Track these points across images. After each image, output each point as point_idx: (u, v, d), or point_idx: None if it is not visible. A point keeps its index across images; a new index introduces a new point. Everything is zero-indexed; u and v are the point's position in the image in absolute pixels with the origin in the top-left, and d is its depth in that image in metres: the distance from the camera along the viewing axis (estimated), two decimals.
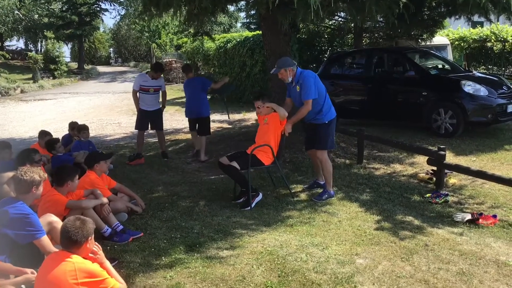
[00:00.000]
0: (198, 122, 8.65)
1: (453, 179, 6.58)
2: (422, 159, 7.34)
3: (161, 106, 8.73)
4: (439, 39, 15.34)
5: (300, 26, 15.60)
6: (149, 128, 8.68)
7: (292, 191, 6.20)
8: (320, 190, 6.16)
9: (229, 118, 11.88)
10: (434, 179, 6.45)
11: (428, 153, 6.74)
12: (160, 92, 8.61)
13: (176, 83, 27.20)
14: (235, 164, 5.69)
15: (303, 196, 6.15)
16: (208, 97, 9.25)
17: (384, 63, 11.06)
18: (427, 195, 6.01)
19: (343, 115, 10.19)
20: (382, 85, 10.20)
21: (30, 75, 31.85)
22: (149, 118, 8.52)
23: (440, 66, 11.07)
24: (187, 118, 8.96)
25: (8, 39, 49.00)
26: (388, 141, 8.00)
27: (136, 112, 8.65)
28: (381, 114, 10.17)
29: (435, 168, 6.44)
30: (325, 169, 6.02)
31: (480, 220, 5.02)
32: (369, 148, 8.42)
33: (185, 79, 9.05)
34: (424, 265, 4.04)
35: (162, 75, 8.70)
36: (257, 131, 6.16)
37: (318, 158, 6.05)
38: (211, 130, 11.29)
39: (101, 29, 58.65)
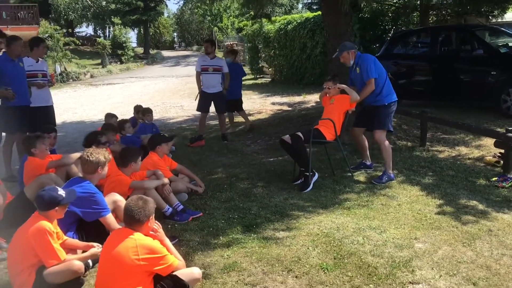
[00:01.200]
0: (235, 102, 9.57)
1: None
2: (489, 142, 7.04)
3: (222, 88, 8.83)
4: None
5: (362, 5, 15.20)
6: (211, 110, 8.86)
7: (352, 174, 6.14)
8: (379, 173, 6.06)
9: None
10: (502, 162, 6.17)
11: (496, 135, 6.45)
12: (222, 73, 8.73)
13: None
14: (299, 134, 5.78)
15: (361, 178, 6.07)
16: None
17: (450, 42, 10.61)
18: (494, 178, 5.78)
19: (406, 96, 9.93)
20: (448, 65, 9.79)
21: (99, 61, 33.23)
22: (210, 101, 8.65)
23: (511, 44, 10.46)
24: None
25: (78, 25, 51.21)
26: (453, 123, 7.71)
27: (198, 94, 8.83)
28: (447, 95, 9.77)
29: (502, 150, 6.16)
30: (384, 151, 5.91)
31: None
32: (433, 130, 8.16)
33: (240, 61, 9.66)
34: (486, 251, 3.90)
35: (220, 56, 8.86)
36: (316, 113, 6.17)
37: (377, 140, 5.96)
38: (272, 113, 11.42)
39: (165, 14, 59.98)
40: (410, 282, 3.44)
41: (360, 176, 6.17)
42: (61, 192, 3.48)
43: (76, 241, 3.79)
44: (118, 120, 7.35)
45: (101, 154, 4.09)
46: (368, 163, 6.41)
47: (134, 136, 7.21)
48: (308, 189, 5.62)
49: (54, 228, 3.42)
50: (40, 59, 7.15)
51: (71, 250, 3.67)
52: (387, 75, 6.06)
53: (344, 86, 6.01)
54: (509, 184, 5.50)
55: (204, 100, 8.66)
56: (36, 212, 3.45)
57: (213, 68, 8.54)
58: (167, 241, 3.43)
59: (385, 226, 4.47)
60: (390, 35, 15.87)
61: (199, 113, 8.83)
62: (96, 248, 3.63)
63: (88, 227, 3.95)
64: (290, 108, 12.11)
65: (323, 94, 6.28)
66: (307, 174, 5.71)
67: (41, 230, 3.31)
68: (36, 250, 3.31)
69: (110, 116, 7.43)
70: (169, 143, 5.89)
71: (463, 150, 7.23)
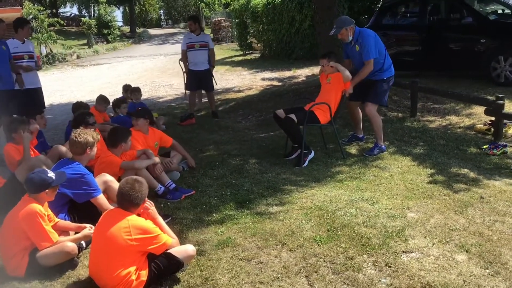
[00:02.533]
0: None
1: None
2: (480, 110, 7.04)
3: (209, 66, 8.73)
4: None
5: None
6: (199, 89, 8.77)
7: (343, 147, 6.13)
8: (370, 145, 6.06)
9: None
10: (492, 129, 6.20)
11: (486, 103, 6.46)
12: (208, 50, 8.62)
13: (226, 42, 27.14)
14: (293, 116, 5.68)
15: (353, 151, 6.07)
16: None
17: (439, 11, 10.53)
18: (485, 146, 5.80)
19: (396, 67, 9.83)
20: (438, 34, 9.73)
21: (85, 41, 32.74)
22: (198, 78, 8.56)
23: (500, 11, 10.41)
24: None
25: (62, 6, 50.27)
26: (443, 92, 7.71)
27: (185, 73, 8.73)
28: (437, 64, 9.74)
29: (493, 118, 6.17)
30: (374, 124, 5.90)
31: None
32: (423, 100, 8.15)
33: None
34: (478, 218, 3.93)
35: (206, 33, 8.72)
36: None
37: (367, 113, 5.92)
38: (262, 88, 11.33)
39: None
40: (403, 251, 3.46)
41: (352, 148, 6.18)
42: (51, 174, 3.45)
43: (68, 223, 3.77)
44: (115, 98, 7.34)
45: (89, 135, 4.04)
46: (360, 135, 6.40)
47: (125, 116, 7.14)
48: (304, 166, 5.58)
49: (44, 211, 3.40)
50: (26, 39, 7.03)
51: (63, 232, 3.65)
52: (386, 51, 5.96)
53: (336, 64, 5.85)
54: (500, 151, 5.53)
55: (192, 78, 8.58)
56: (26, 195, 3.42)
57: (200, 44, 8.45)
58: (160, 219, 3.42)
59: (377, 197, 4.48)
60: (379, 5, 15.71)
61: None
62: (88, 229, 3.61)
63: (80, 209, 3.92)
64: (280, 83, 12.03)
65: (321, 71, 6.19)
66: (304, 151, 5.66)
67: (31, 213, 3.29)
68: (28, 233, 3.29)
69: (102, 99, 7.29)
70: (141, 119, 5.64)
71: (453, 119, 7.25)
